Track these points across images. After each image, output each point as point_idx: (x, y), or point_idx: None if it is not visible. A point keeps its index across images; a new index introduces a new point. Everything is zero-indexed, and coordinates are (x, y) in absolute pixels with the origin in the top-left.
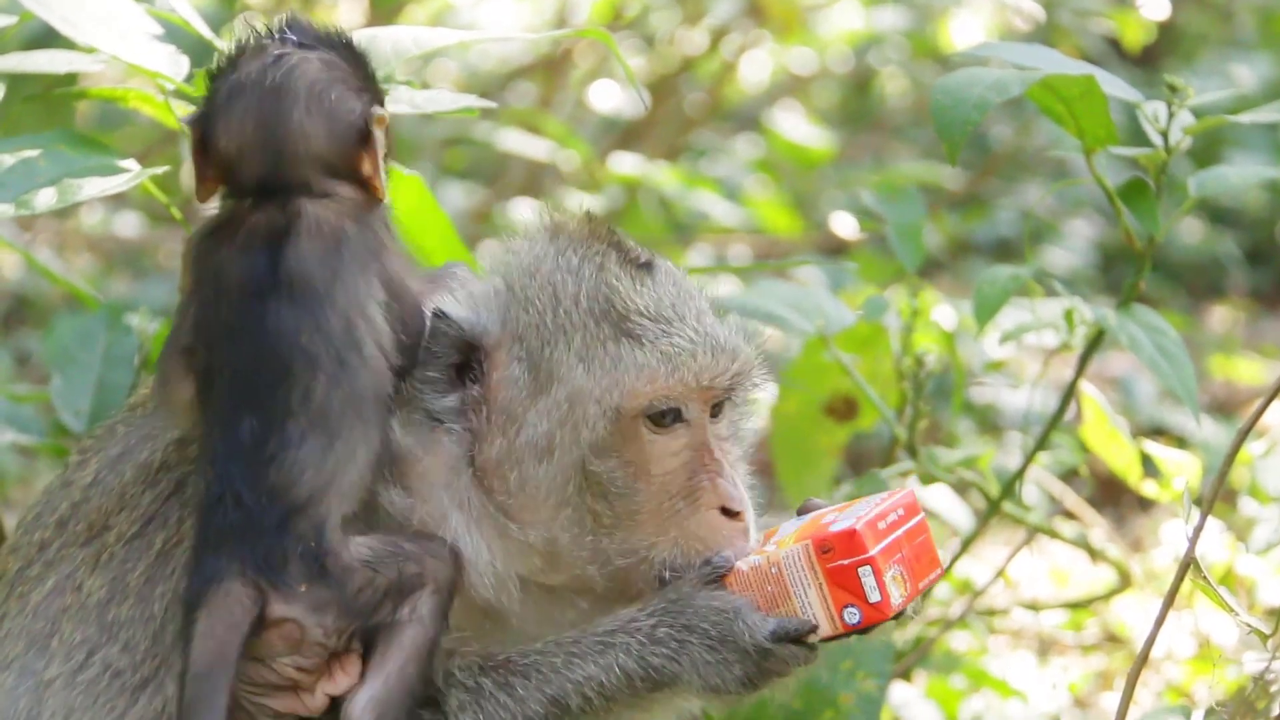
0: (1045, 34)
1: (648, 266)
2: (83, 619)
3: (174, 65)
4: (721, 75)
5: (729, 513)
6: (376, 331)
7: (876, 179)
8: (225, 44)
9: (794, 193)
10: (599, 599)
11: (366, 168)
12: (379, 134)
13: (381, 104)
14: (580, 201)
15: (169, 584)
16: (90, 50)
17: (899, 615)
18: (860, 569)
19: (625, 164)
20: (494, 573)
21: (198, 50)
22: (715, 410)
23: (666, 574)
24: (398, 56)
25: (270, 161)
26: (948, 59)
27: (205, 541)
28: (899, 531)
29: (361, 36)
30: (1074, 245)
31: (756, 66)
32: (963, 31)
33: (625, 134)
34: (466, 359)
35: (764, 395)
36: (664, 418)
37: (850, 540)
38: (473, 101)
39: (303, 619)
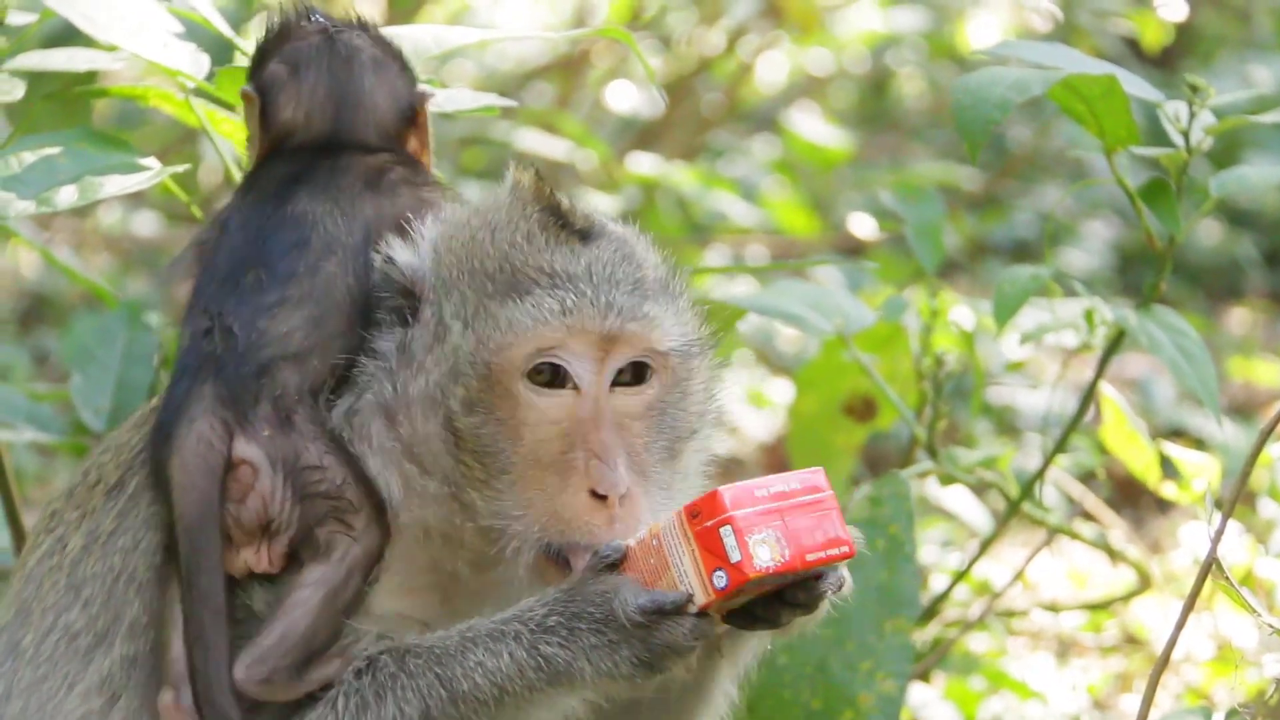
0: (1064, 34)
1: (582, 233)
2: (57, 579)
3: (195, 63)
4: (739, 76)
5: (599, 496)
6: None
7: (894, 180)
8: (246, 41)
9: (811, 193)
10: (485, 573)
11: (414, 143)
12: (426, 112)
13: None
14: (598, 201)
15: (133, 534)
16: (111, 48)
17: (780, 582)
18: (721, 529)
19: (643, 164)
20: (399, 518)
21: (217, 48)
22: (620, 381)
23: (529, 554)
24: (417, 55)
25: (337, 122)
26: (965, 59)
27: (183, 370)
28: (787, 501)
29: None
30: (1091, 246)
31: (773, 67)
32: (980, 32)
33: (643, 134)
34: (406, 304)
35: (731, 379)
36: (542, 376)
37: (713, 501)
38: (493, 100)
39: (258, 464)
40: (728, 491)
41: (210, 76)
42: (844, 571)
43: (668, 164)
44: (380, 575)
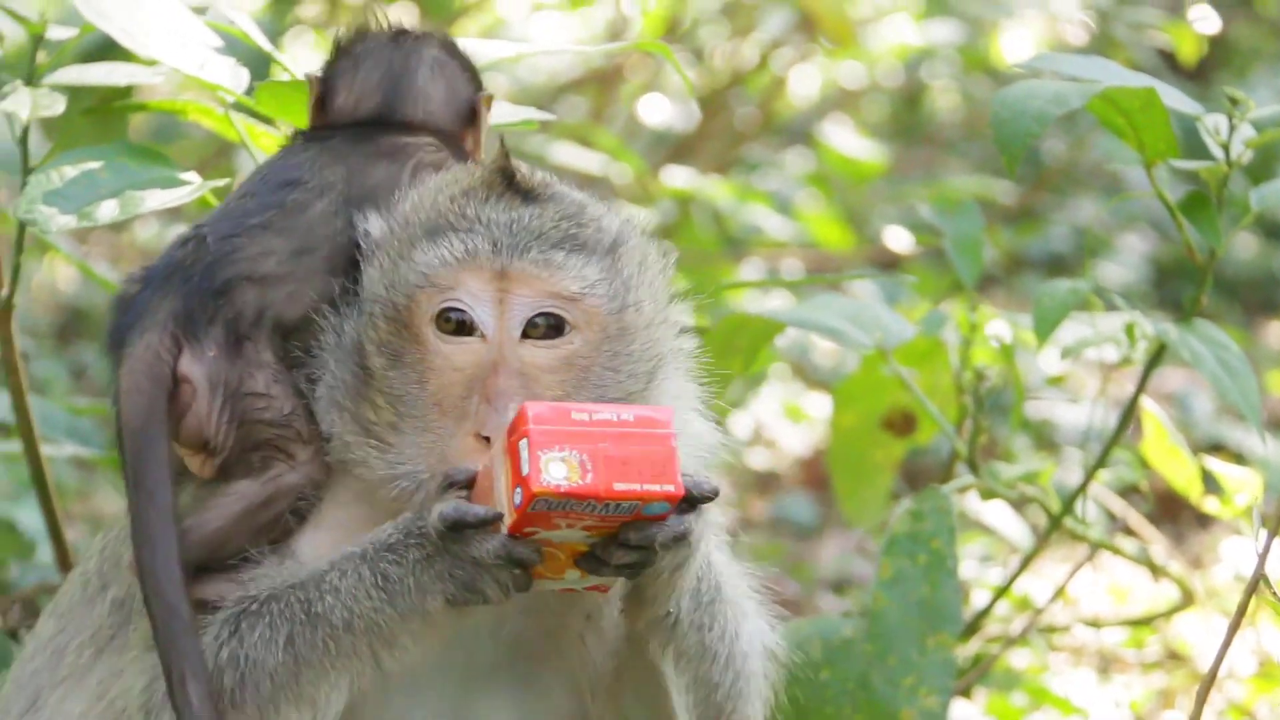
0: (1098, 47)
1: (525, 193)
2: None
3: (235, 78)
4: (772, 89)
5: (484, 439)
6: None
7: (930, 193)
8: (284, 55)
9: (845, 206)
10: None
11: (469, 143)
12: (485, 114)
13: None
14: (633, 213)
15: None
16: (151, 63)
17: (565, 503)
18: (520, 442)
19: (678, 178)
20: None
21: (255, 62)
22: (535, 335)
23: (421, 497)
24: None
25: (383, 106)
26: (999, 72)
27: (150, 276)
28: (609, 429)
29: None
30: (1127, 260)
31: (806, 80)
32: (1013, 45)
33: (677, 148)
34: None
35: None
36: (450, 324)
37: (519, 416)
38: (532, 114)
39: (198, 384)
40: (535, 406)
41: (250, 91)
42: (690, 522)
43: (702, 177)
44: (311, 518)
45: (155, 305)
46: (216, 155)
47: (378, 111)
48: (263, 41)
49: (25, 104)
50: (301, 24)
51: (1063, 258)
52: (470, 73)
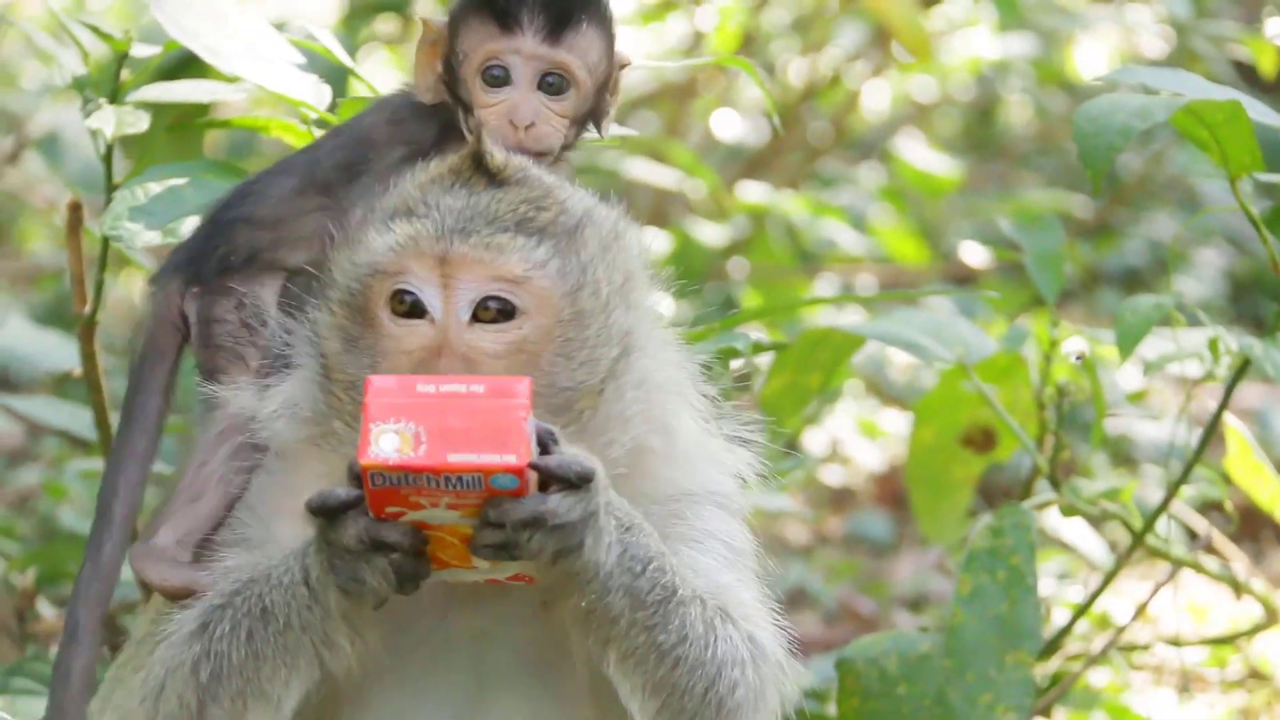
0: (1175, 59)
1: (493, 177)
2: None
3: (318, 94)
4: (846, 103)
5: None
6: None
7: (1006, 207)
8: (363, 68)
9: (919, 221)
10: None
11: (604, 104)
12: (620, 78)
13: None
14: (707, 229)
15: None
16: (234, 79)
17: (400, 478)
18: (362, 414)
19: (752, 193)
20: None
21: (334, 77)
22: (486, 319)
23: None
24: None
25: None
26: (1074, 85)
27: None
28: (457, 401)
29: None
30: (1204, 274)
31: (877, 94)
32: (1088, 58)
33: (751, 163)
34: None
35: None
36: (402, 306)
37: (364, 388)
38: (627, 132)
39: (191, 320)
40: (378, 379)
41: (333, 107)
42: (559, 504)
43: (777, 192)
44: (286, 503)
45: (178, 249)
46: None
47: None
48: (344, 58)
49: (110, 121)
50: (375, 39)
51: (1138, 272)
52: (610, 34)
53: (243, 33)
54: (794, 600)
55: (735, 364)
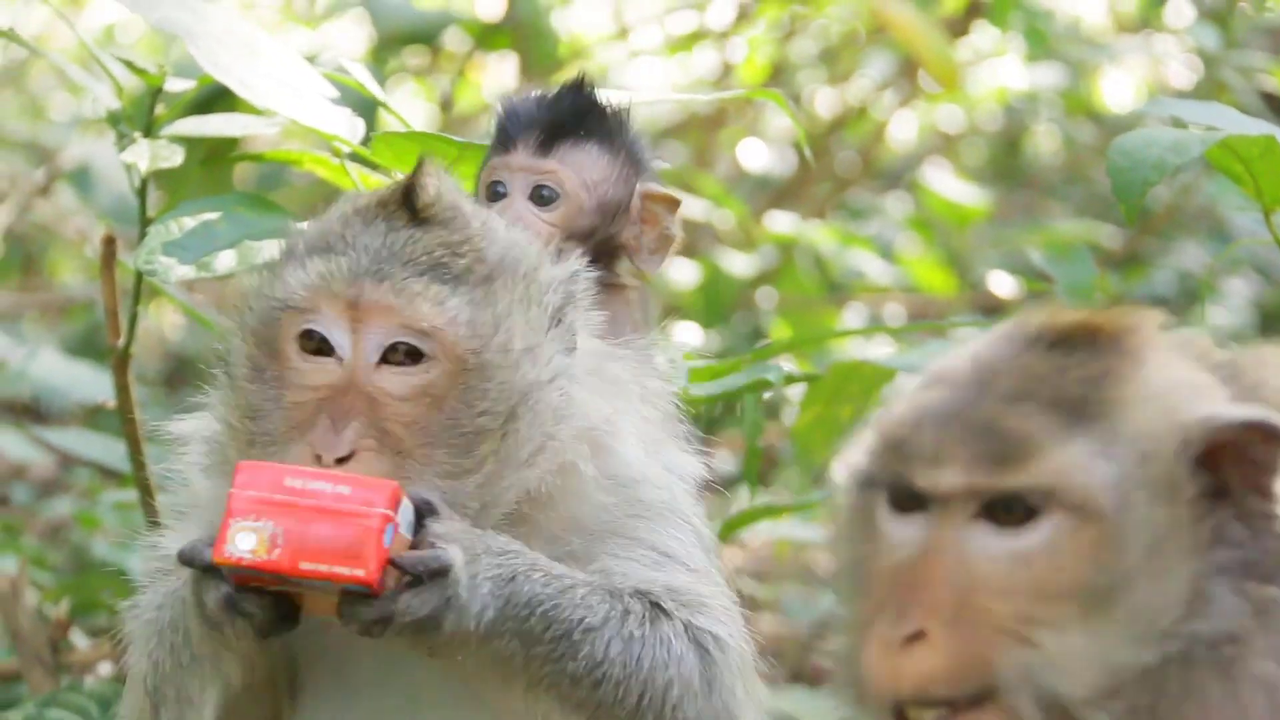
0: (1203, 90)
1: (417, 215)
2: None
3: (351, 129)
4: (874, 134)
5: (319, 457)
6: None
7: (1035, 237)
8: (392, 100)
9: (947, 251)
10: None
11: (626, 232)
12: (656, 212)
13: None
14: (736, 260)
15: None
16: (267, 113)
17: (251, 575)
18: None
19: (781, 223)
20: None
21: (364, 110)
22: (395, 361)
23: None
24: None
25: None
26: (1102, 116)
27: None
28: (315, 502)
29: None
30: (1232, 304)
31: (904, 123)
32: (1116, 89)
33: (778, 193)
34: None
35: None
36: (311, 343)
37: (235, 473)
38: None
39: None
40: (248, 468)
41: (365, 141)
42: (404, 602)
43: (804, 222)
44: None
45: None
46: (325, 201)
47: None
48: (378, 92)
49: (145, 156)
50: (404, 71)
51: (1167, 302)
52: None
53: (275, 66)
54: (821, 630)
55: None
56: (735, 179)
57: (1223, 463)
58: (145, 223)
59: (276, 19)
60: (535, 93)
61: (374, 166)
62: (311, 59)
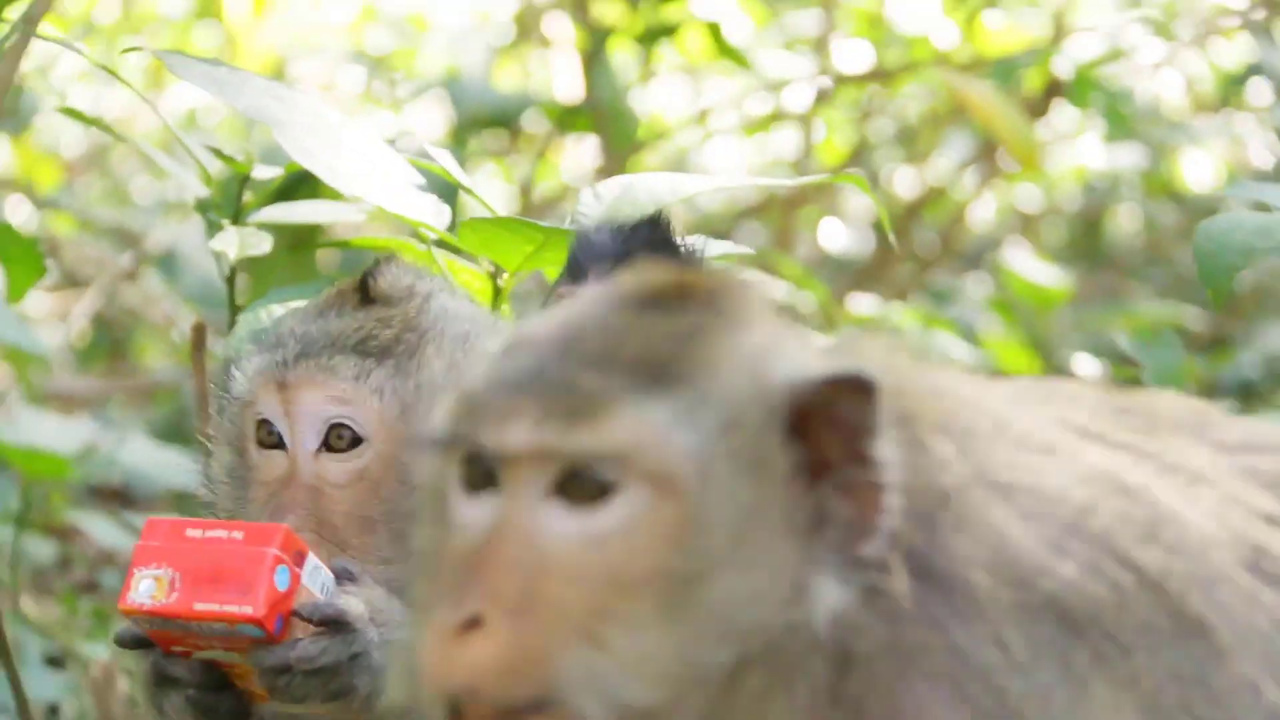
0: None
1: (366, 300)
2: None
3: (438, 215)
4: (954, 214)
5: None
6: None
7: (1118, 320)
8: (474, 184)
9: (1029, 333)
10: None
11: None
12: None
13: None
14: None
15: None
16: (354, 200)
17: (155, 620)
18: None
19: (863, 305)
20: None
21: (446, 193)
22: (336, 447)
23: None
24: (653, 202)
25: None
26: (1183, 197)
27: None
28: (215, 547)
29: (615, 184)
30: None
31: (982, 204)
32: (1197, 169)
33: (859, 274)
34: None
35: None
36: (271, 437)
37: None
38: (738, 249)
39: None
40: (154, 523)
41: (452, 226)
42: (302, 648)
43: (886, 304)
44: None
45: None
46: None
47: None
48: (461, 177)
49: (233, 243)
50: (483, 153)
51: (1253, 386)
52: None
53: (360, 152)
54: None
55: None
56: (816, 261)
57: (817, 430)
58: (234, 310)
59: (357, 103)
60: (611, 225)
61: (459, 252)
62: (392, 142)
